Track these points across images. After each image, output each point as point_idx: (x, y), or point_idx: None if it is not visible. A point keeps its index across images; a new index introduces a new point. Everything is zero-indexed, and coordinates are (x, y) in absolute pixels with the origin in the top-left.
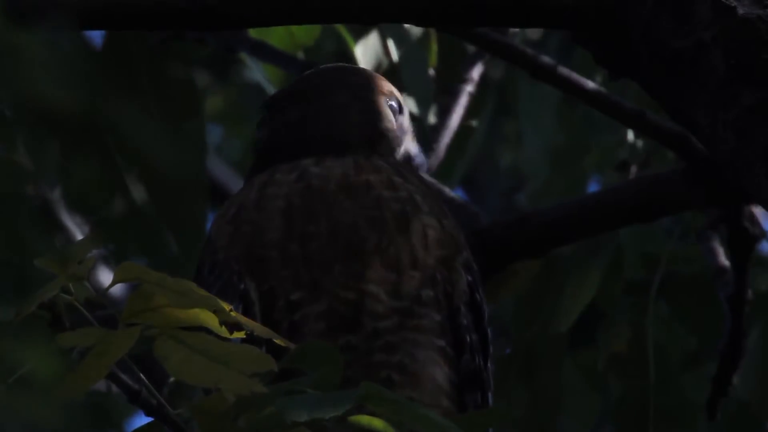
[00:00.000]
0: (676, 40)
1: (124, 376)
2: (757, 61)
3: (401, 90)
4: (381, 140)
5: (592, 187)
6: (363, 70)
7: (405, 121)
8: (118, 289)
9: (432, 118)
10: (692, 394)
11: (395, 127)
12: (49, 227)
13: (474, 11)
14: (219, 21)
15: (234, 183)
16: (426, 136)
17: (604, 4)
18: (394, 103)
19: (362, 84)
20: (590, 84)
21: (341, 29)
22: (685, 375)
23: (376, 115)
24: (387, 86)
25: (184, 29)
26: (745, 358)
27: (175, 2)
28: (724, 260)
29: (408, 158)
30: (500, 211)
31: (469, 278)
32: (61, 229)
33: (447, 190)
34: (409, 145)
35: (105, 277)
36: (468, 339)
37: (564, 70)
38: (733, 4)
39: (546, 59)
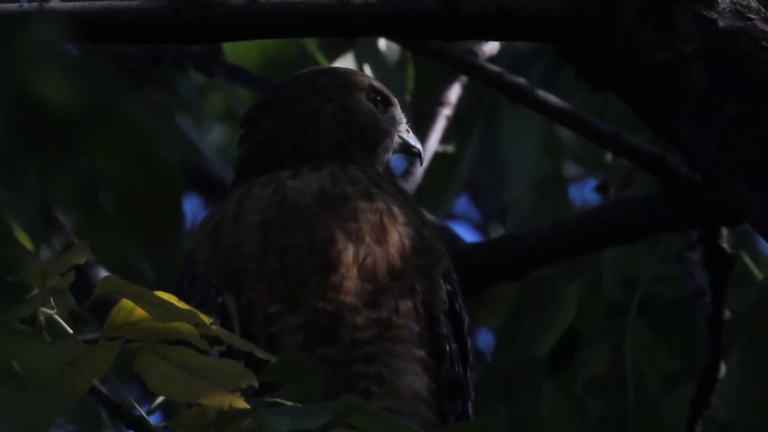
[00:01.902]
0: (658, 53)
1: (105, 390)
2: (738, 73)
3: None
4: (359, 138)
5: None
6: (335, 69)
7: (395, 111)
8: None
9: None
10: (671, 417)
11: (379, 121)
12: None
13: (456, 25)
14: (199, 36)
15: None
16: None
17: (586, 17)
18: (378, 97)
19: (334, 84)
20: (568, 106)
21: (316, 53)
22: (664, 397)
23: (350, 113)
24: (365, 80)
25: (165, 43)
26: (724, 380)
27: (157, 17)
28: (702, 281)
29: (405, 148)
30: (501, 215)
31: (449, 288)
32: (60, 228)
33: (425, 213)
34: (404, 135)
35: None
36: (448, 348)
37: (541, 93)
38: (714, 17)
39: (523, 82)
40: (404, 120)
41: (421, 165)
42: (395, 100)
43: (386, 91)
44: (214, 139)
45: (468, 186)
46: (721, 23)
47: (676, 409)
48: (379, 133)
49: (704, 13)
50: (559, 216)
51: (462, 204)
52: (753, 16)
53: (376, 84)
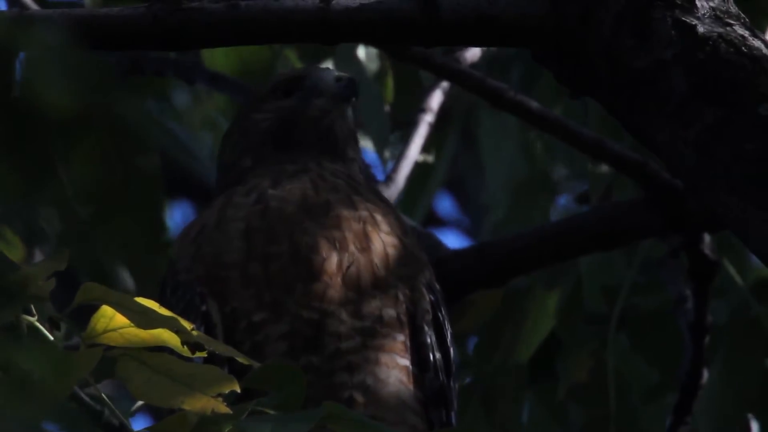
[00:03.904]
0: (637, 59)
1: (85, 397)
2: (717, 79)
3: (357, 127)
4: (286, 141)
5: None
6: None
7: (309, 80)
8: None
9: (388, 155)
10: (653, 424)
11: (290, 114)
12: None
13: (435, 30)
14: (178, 42)
15: None
16: (383, 168)
17: (565, 23)
18: (287, 86)
19: (240, 112)
20: (549, 112)
21: (295, 61)
22: (645, 405)
23: (244, 135)
24: (268, 85)
25: (144, 49)
26: (706, 387)
27: (136, 23)
28: (684, 288)
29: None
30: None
31: (432, 298)
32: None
33: (408, 219)
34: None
35: None
36: (431, 357)
37: (523, 98)
38: (693, 23)
39: (505, 87)
40: (324, 77)
41: (353, 95)
42: (306, 68)
43: (292, 72)
44: (207, 145)
45: (456, 190)
46: (701, 29)
47: (657, 417)
48: (300, 124)
49: (684, 18)
50: (537, 217)
51: (448, 207)
52: (733, 22)
53: (283, 76)
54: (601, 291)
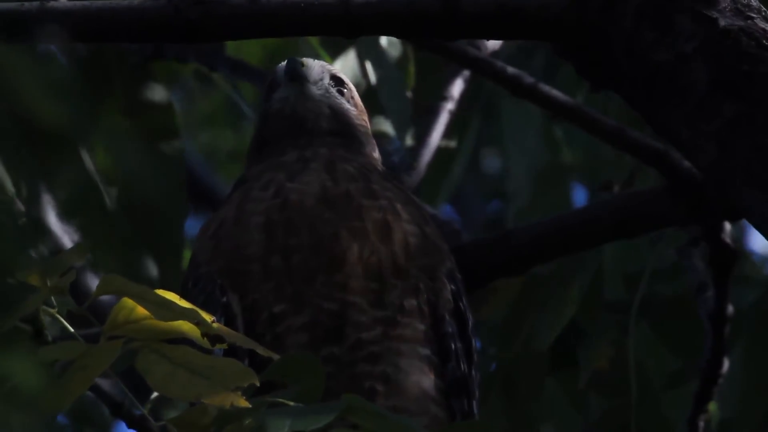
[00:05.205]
0: (658, 52)
1: (107, 389)
2: (738, 73)
3: (379, 112)
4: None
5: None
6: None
7: (276, 74)
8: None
9: (410, 140)
10: (674, 412)
11: (276, 112)
12: (36, 232)
13: (456, 23)
14: (200, 35)
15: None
16: (405, 157)
17: (586, 16)
18: (272, 84)
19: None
20: (570, 100)
21: (319, 49)
22: (666, 393)
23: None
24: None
25: (166, 42)
26: (727, 375)
27: (158, 16)
28: (705, 276)
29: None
30: (484, 223)
31: (453, 287)
32: (48, 234)
33: (427, 207)
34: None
35: (93, 282)
36: (453, 347)
37: (544, 87)
38: (714, 16)
39: (526, 76)
40: (278, 69)
41: (295, 73)
42: (277, 68)
43: (274, 72)
44: (203, 143)
45: (452, 195)
46: (722, 22)
47: (678, 405)
48: (269, 120)
49: (705, 12)
50: (559, 206)
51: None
52: (754, 15)
53: (276, 72)
54: (622, 278)
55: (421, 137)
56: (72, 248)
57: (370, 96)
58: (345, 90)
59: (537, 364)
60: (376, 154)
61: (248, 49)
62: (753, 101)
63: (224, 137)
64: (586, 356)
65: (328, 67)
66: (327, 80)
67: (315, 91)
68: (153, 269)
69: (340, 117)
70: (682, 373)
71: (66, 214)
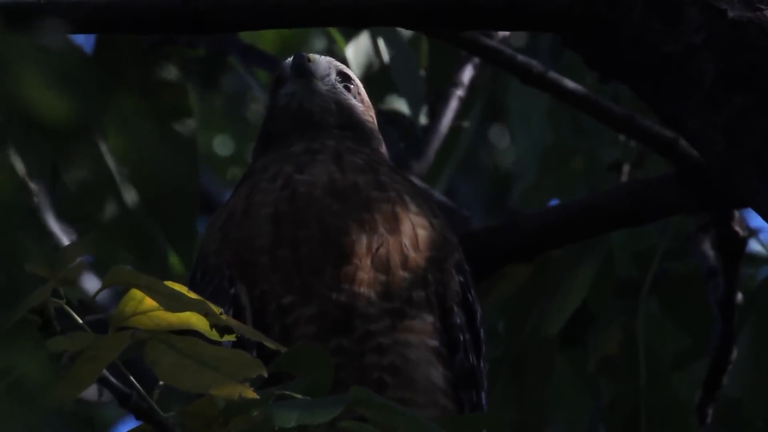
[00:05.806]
0: (666, 44)
1: (114, 380)
2: (747, 64)
3: (393, 91)
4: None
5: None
6: None
7: (281, 71)
8: (102, 296)
9: (423, 119)
10: (684, 394)
11: (283, 106)
12: (36, 232)
13: (465, 14)
14: (209, 25)
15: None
16: (418, 137)
17: (595, 7)
18: (278, 81)
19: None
20: (580, 88)
21: (332, 31)
22: (676, 375)
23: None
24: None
25: (175, 33)
26: (736, 359)
27: (167, 7)
28: (714, 263)
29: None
30: (482, 215)
31: (461, 279)
32: (48, 234)
33: (436, 193)
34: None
35: (90, 283)
36: (461, 338)
37: (554, 75)
38: (723, 7)
39: (535, 64)
40: (285, 66)
41: (302, 68)
42: (284, 63)
43: (281, 68)
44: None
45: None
46: (731, 14)
47: (688, 387)
48: (274, 117)
49: (713, 3)
50: (564, 187)
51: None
52: (763, 7)
53: (282, 68)
54: (632, 257)
55: (431, 123)
56: (77, 241)
57: (383, 75)
58: (351, 86)
59: (547, 348)
60: (383, 149)
61: (263, 36)
62: (761, 92)
63: (223, 142)
64: (596, 340)
65: (335, 62)
66: (334, 76)
67: (321, 86)
68: (166, 259)
69: (346, 112)
70: (691, 351)
71: (78, 205)
